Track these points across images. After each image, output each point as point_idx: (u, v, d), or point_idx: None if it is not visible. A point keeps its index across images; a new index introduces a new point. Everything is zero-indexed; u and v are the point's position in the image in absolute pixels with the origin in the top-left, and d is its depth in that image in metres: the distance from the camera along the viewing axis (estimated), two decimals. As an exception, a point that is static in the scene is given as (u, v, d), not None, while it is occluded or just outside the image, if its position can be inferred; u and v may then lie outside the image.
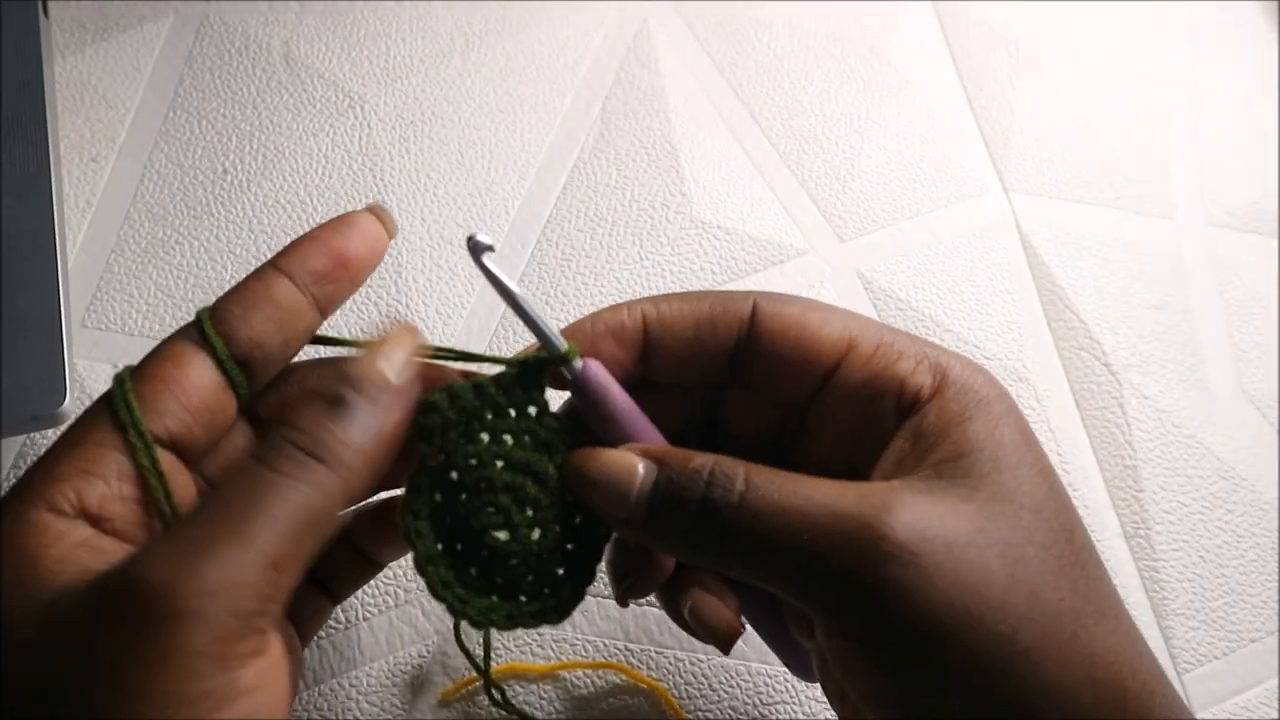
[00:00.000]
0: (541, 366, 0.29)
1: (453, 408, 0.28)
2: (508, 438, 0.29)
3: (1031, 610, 0.24)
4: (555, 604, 0.30)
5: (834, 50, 0.61)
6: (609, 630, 0.44)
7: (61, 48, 0.57)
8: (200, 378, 0.27)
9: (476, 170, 0.55)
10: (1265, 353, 0.54)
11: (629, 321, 0.30)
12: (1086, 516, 0.46)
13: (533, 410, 0.30)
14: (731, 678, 0.43)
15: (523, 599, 0.30)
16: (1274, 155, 0.61)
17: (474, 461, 0.29)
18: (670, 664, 0.43)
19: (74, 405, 0.47)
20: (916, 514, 0.25)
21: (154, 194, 0.54)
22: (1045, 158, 0.59)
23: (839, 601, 0.25)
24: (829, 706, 0.43)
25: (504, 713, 0.41)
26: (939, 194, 0.57)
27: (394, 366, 0.27)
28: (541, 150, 0.56)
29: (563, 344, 0.29)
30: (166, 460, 0.26)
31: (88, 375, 0.48)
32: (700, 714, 0.42)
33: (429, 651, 0.43)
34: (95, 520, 0.25)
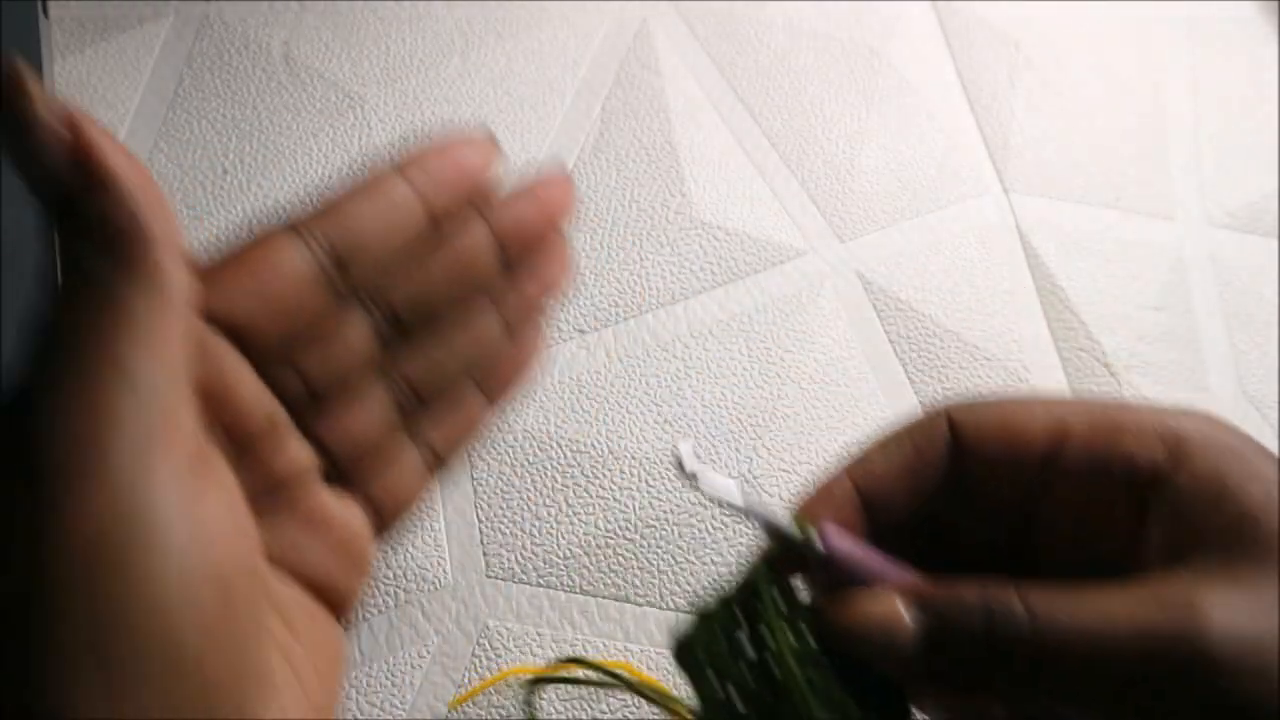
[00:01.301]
0: (786, 563, 0.27)
1: (710, 641, 0.27)
2: (770, 640, 0.27)
3: None
4: None
5: (834, 50, 0.61)
6: (609, 630, 0.44)
7: (61, 48, 0.57)
8: (287, 264, 0.24)
9: (476, 170, 0.55)
10: (1265, 353, 0.54)
11: (841, 495, 0.28)
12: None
13: (787, 604, 0.27)
14: (731, 678, 0.43)
15: None
16: (1274, 156, 0.61)
17: (752, 679, 0.27)
18: (670, 664, 0.43)
19: (74, 405, 0.47)
20: (1229, 614, 0.22)
21: (154, 194, 0.54)
22: (1045, 158, 0.59)
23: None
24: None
25: (503, 714, 0.41)
26: (939, 194, 0.57)
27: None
28: (541, 150, 0.56)
29: (792, 527, 0.27)
30: (216, 347, 0.23)
31: (87, 375, 0.48)
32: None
33: (429, 652, 0.43)
34: None
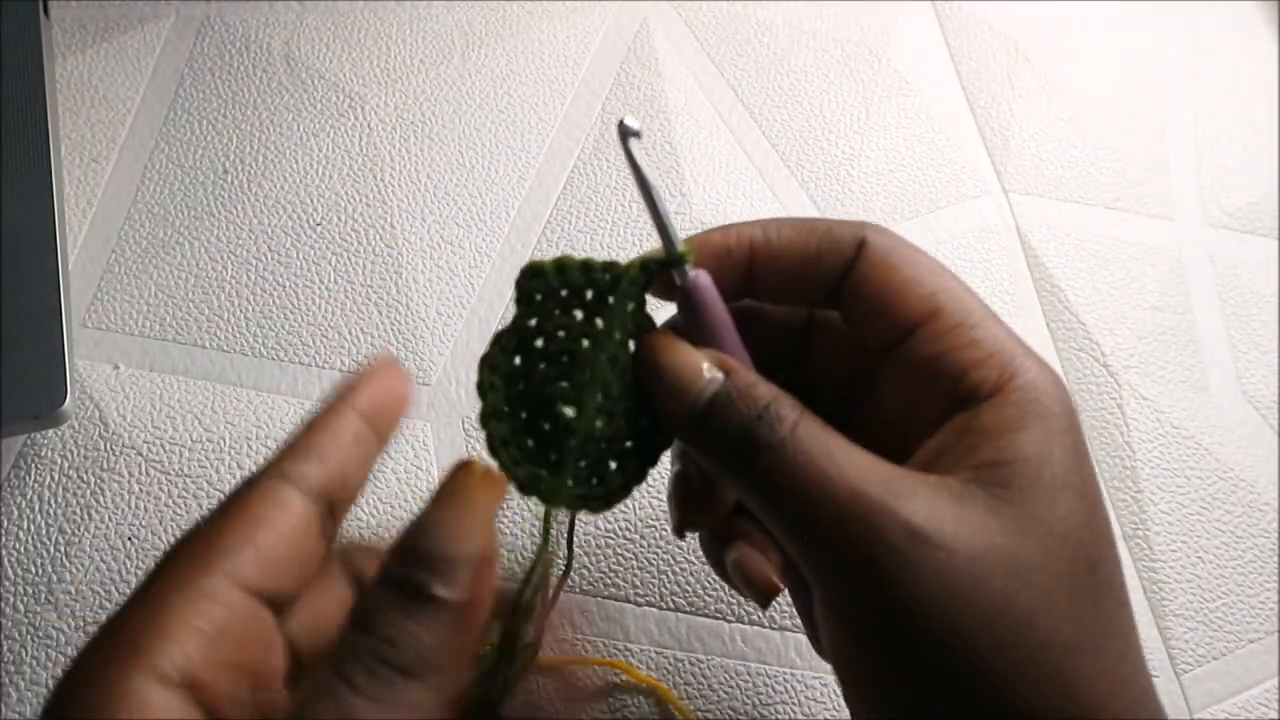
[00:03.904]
0: (659, 267, 0.29)
1: (557, 279, 0.29)
2: (600, 322, 0.29)
3: (1019, 636, 0.24)
4: (602, 493, 0.30)
5: (834, 50, 0.61)
6: (609, 630, 0.44)
7: (62, 48, 0.57)
8: (290, 517, 0.24)
9: (476, 170, 0.55)
10: (1265, 353, 0.54)
11: (736, 246, 0.30)
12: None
13: (630, 306, 0.29)
14: (731, 678, 0.43)
15: (569, 482, 0.29)
16: (1274, 156, 0.61)
17: (562, 334, 0.29)
18: (670, 664, 0.43)
19: (74, 405, 0.47)
20: (932, 514, 0.24)
21: (154, 194, 0.54)
22: (1045, 158, 0.59)
23: (832, 575, 0.25)
24: (828, 707, 0.43)
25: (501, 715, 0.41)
26: (939, 194, 0.57)
27: (474, 532, 0.24)
28: (541, 150, 0.56)
29: (682, 247, 0.29)
30: (255, 615, 0.23)
31: (88, 375, 0.48)
32: (700, 714, 0.42)
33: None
34: (195, 688, 0.21)
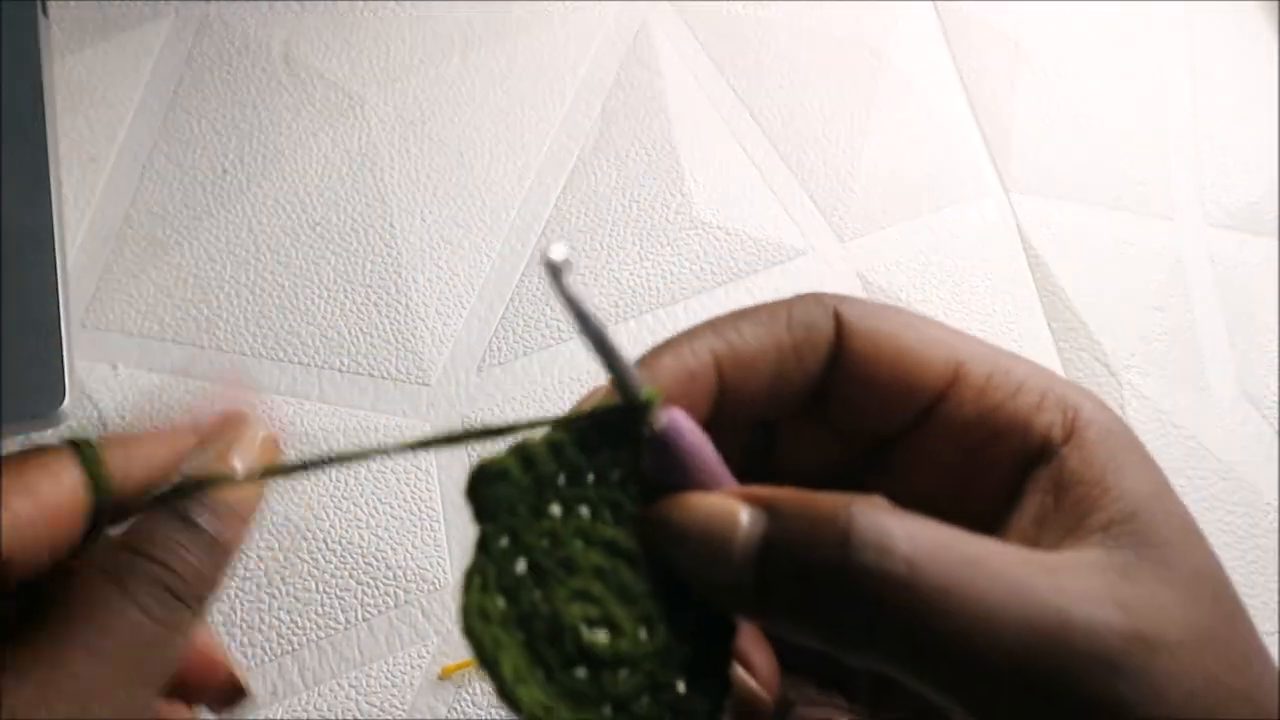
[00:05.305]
0: (633, 417, 0.23)
1: (526, 476, 0.22)
2: (584, 510, 0.23)
3: (1244, 708, 0.21)
4: None
5: (834, 50, 0.61)
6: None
7: (61, 48, 0.57)
8: (58, 475, 0.24)
9: (476, 170, 0.55)
10: (1265, 353, 0.54)
11: (698, 367, 0.24)
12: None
13: (616, 475, 0.23)
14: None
15: None
16: (1274, 155, 0.61)
17: (546, 542, 0.22)
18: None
19: (73, 405, 0.47)
20: (1130, 607, 0.20)
21: (154, 194, 0.54)
22: (1045, 158, 0.59)
23: (1037, 713, 0.20)
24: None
25: (502, 712, 0.41)
26: (939, 194, 0.57)
27: (249, 473, 0.24)
28: (541, 150, 0.56)
29: (643, 389, 0.22)
30: None
31: (87, 375, 0.48)
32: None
33: (429, 652, 0.43)
34: None
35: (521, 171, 0.56)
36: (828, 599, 0.20)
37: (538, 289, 0.52)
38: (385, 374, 0.49)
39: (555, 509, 0.23)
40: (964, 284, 0.54)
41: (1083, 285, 0.55)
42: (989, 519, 0.24)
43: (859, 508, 0.20)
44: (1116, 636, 0.19)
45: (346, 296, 0.51)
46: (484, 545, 0.22)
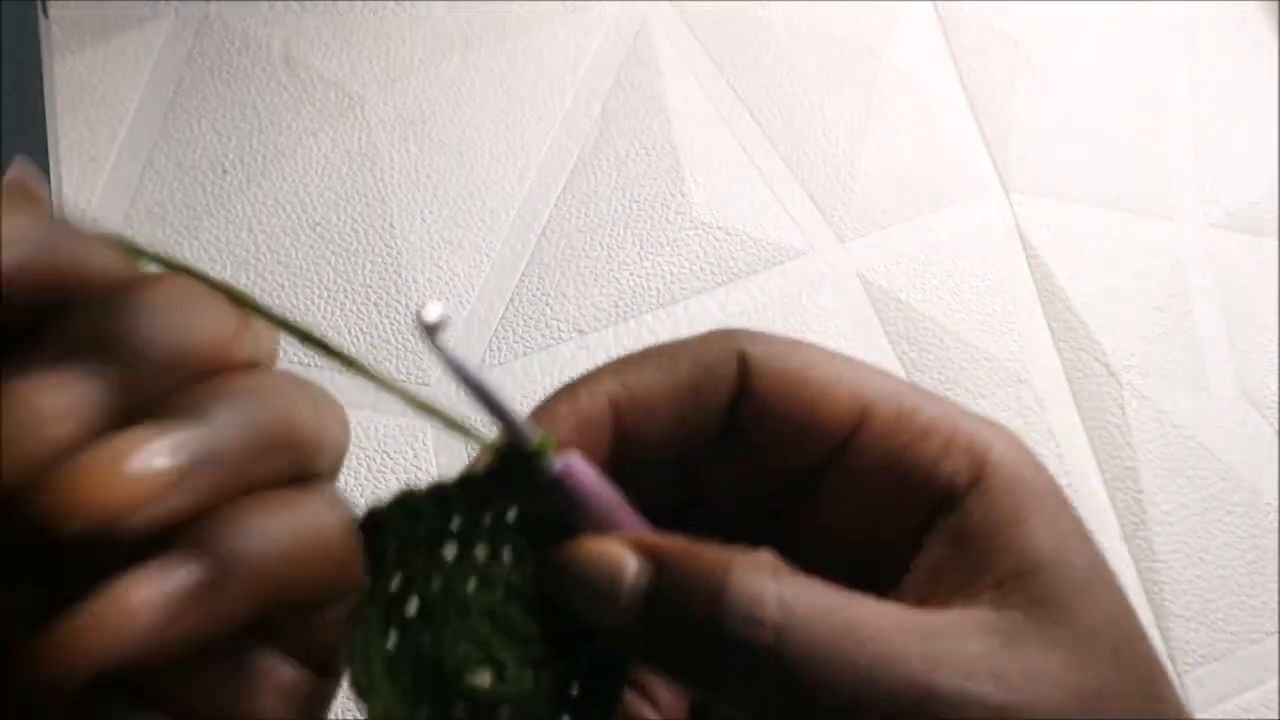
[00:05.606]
0: (528, 461, 0.23)
1: (407, 525, 0.22)
2: (479, 551, 0.23)
3: None
4: None
5: (834, 50, 0.61)
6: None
7: (61, 48, 0.57)
8: None
9: (476, 170, 0.55)
10: (1265, 353, 0.54)
11: (593, 411, 0.24)
12: (1087, 518, 0.46)
13: (511, 515, 0.23)
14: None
15: None
16: (1274, 155, 0.61)
17: (438, 584, 0.23)
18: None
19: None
20: (1006, 677, 0.20)
21: (154, 194, 0.54)
22: (1045, 158, 0.59)
23: None
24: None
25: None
26: (939, 194, 0.57)
27: None
28: (541, 150, 0.56)
29: (534, 436, 0.23)
30: None
31: (87, 375, 0.48)
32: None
33: (429, 652, 0.43)
34: None
35: (521, 172, 0.56)
36: (704, 655, 0.20)
37: (538, 289, 0.52)
38: (385, 374, 0.50)
39: (450, 551, 0.23)
40: (964, 284, 0.54)
41: (1083, 285, 0.55)
42: (901, 562, 0.23)
43: (737, 569, 0.20)
44: (985, 711, 0.19)
45: (346, 296, 0.51)
46: (373, 589, 0.23)
